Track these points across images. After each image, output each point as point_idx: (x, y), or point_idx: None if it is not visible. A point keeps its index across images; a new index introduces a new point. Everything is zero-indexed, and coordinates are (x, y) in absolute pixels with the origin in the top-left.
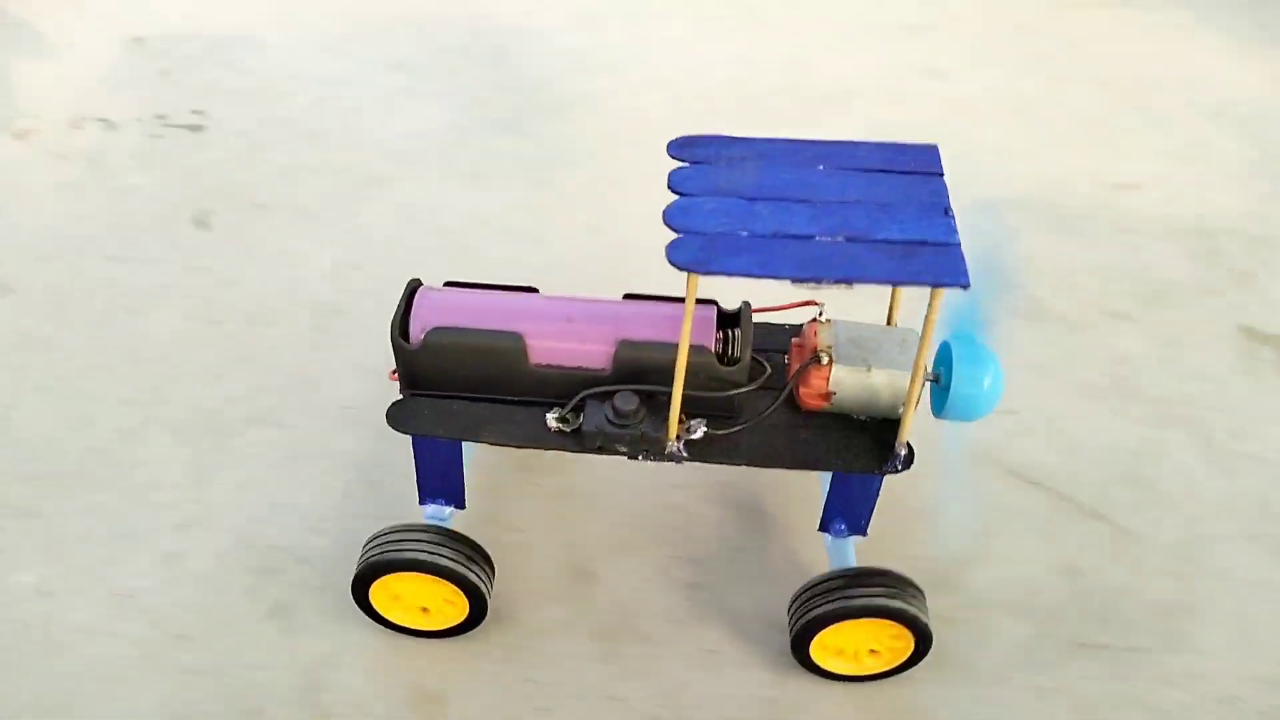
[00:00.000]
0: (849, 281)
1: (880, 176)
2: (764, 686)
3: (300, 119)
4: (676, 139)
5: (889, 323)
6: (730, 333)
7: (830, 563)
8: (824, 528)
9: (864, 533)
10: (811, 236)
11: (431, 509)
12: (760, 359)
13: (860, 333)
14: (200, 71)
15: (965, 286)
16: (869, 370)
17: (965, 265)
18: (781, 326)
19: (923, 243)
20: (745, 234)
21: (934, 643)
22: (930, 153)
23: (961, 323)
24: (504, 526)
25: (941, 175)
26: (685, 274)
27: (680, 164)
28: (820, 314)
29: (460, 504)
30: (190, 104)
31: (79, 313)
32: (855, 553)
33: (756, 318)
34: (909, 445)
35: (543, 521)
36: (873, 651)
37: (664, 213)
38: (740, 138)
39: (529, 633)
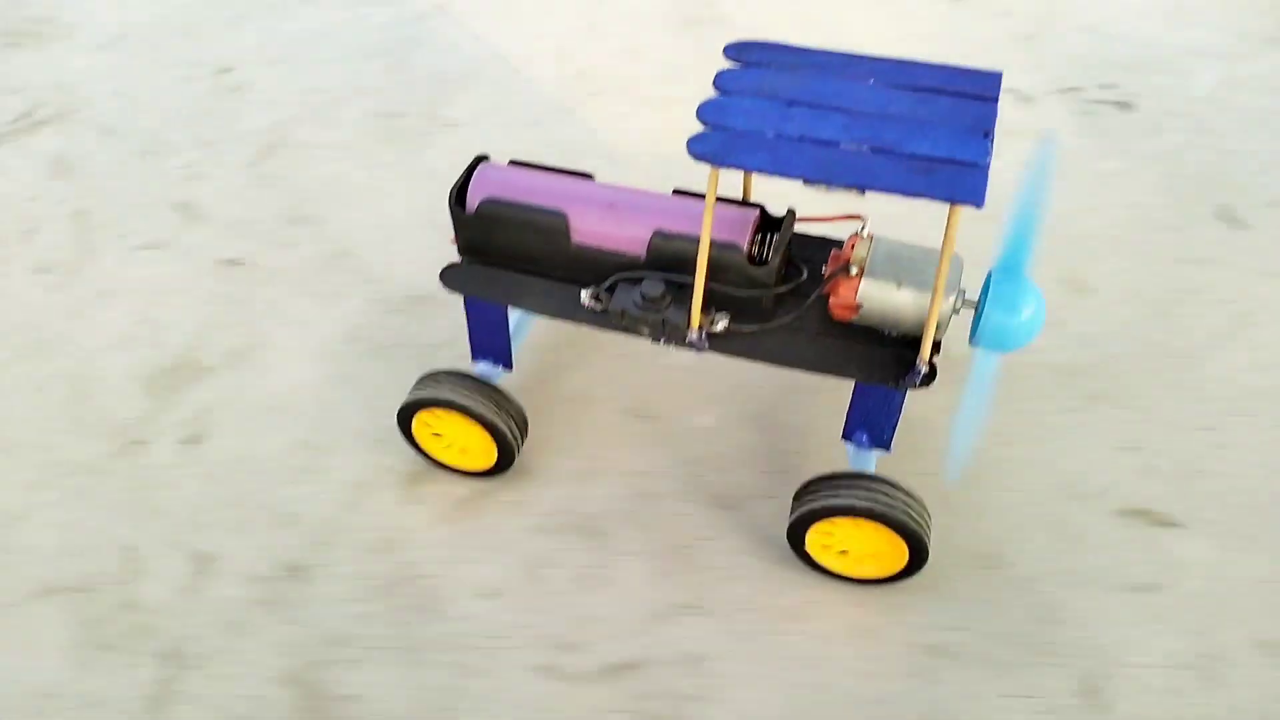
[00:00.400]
0: (860, 188)
1: (930, 96)
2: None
3: (1232, 103)
4: (734, 43)
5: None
6: (768, 236)
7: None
8: (847, 436)
9: (887, 447)
10: (836, 143)
11: (482, 366)
12: (799, 265)
13: (900, 251)
14: (1078, 42)
15: (978, 205)
16: (898, 286)
17: (984, 186)
18: (838, 242)
19: (950, 160)
20: (771, 134)
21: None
22: (991, 78)
23: (1008, 254)
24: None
25: (995, 100)
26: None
27: (733, 64)
28: (863, 229)
29: (508, 365)
30: (1096, 76)
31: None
32: (876, 465)
33: (818, 229)
34: (931, 364)
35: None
36: (868, 555)
37: (698, 107)
38: (800, 47)
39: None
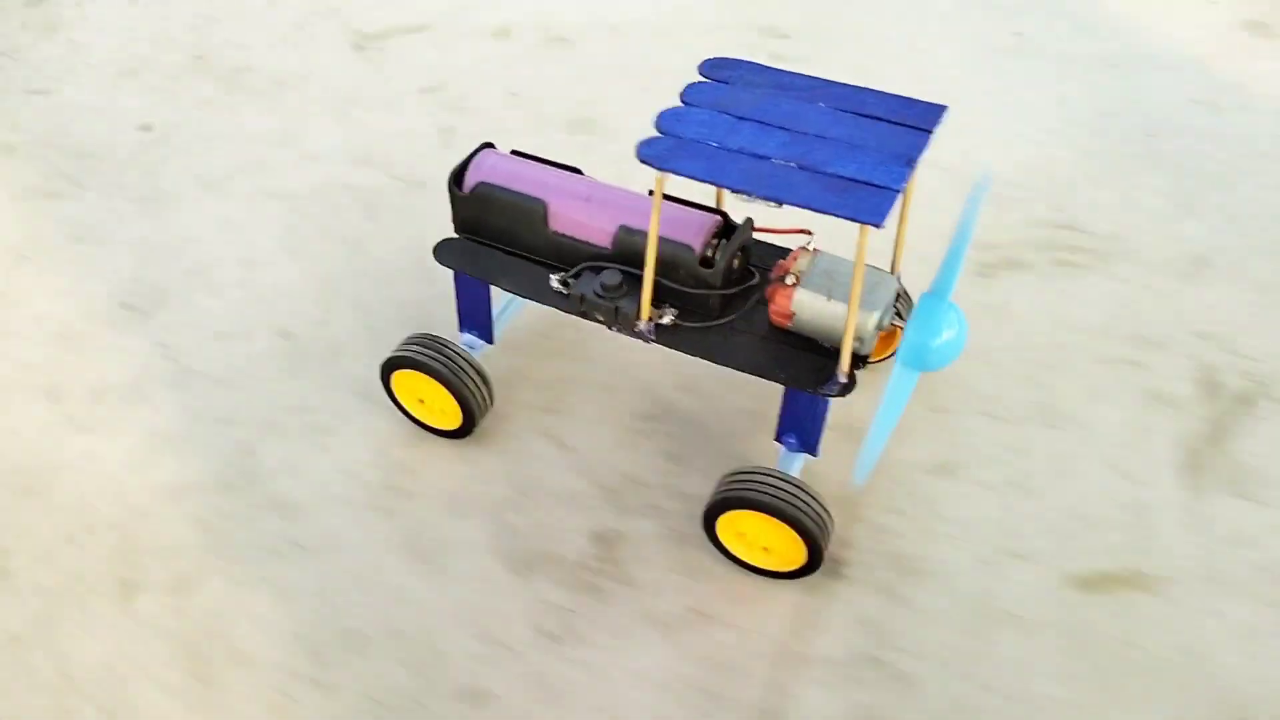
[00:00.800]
0: (777, 201)
1: (872, 122)
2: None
3: None
4: (711, 59)
5: (892, 270)
6: (723, 240)
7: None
8: (778, 438)
9: (814, 452)
10: (769, 159)
11: (467, 338)
12: (754, 271)
13: (839, 268)
14: None
15: (878, 225)
16: (828, 299)
17: (888, 208)
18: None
19: (867, 183)
20: (714, 145)
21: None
22: (935, 111)
23: (939, 278)
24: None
25: (929, 132)
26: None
27: (704, 80)
28: (809, 244)
29: (489, 339)
30: None
31: None
32: (797, 468)
33: (786, 240)
34: (851, 375)
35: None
36: (767, 549)
37: (657, 115)
38: (769, 67)
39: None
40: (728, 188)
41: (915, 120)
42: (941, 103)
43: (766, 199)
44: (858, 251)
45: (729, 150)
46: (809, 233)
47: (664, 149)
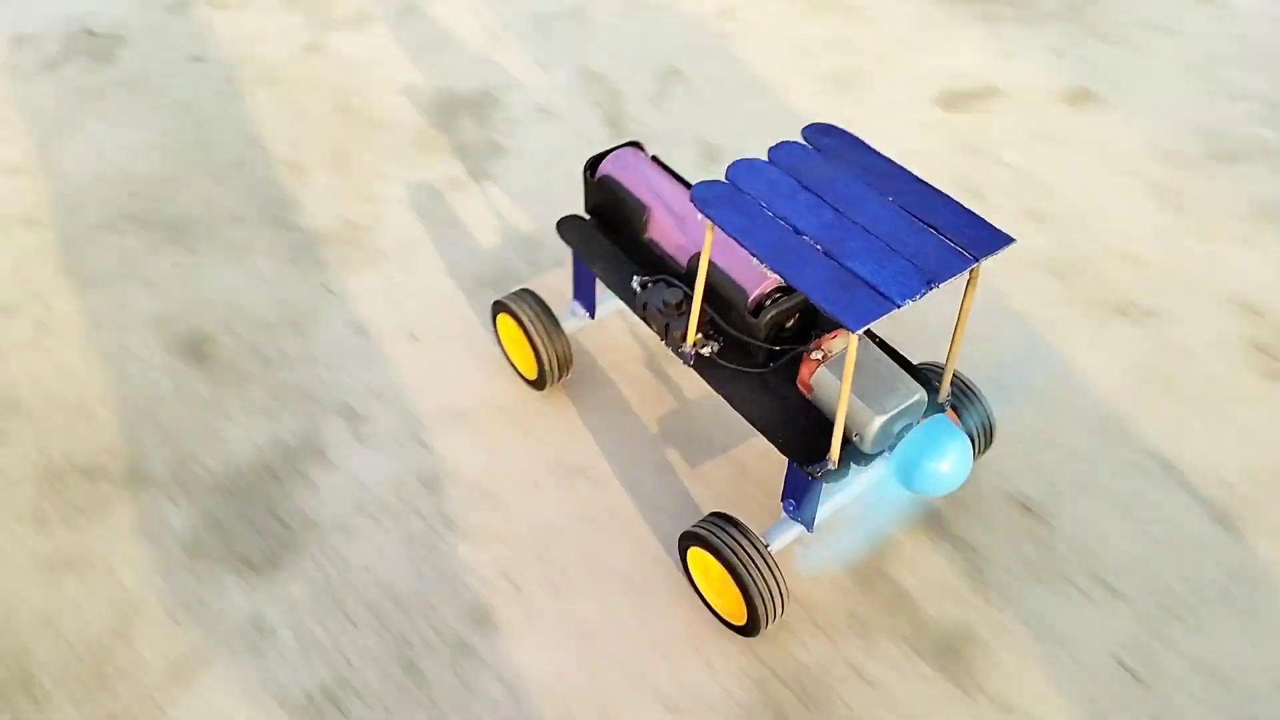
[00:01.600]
0: (782, 278)
1: (927, 231)
2: None
3: None
4: (816, 124)
5: (942, 384)
6: (783, 295)
7: (769, 528)
8: (783, 499)
9: (809, 527)
10: (802, 234)
11: (574, 305)
12: (813, 333)
13: (873, 362)
14: None
15: (852, 329)
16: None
17: (873, 318)
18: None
19: (873, 287)
20: (762, 205)
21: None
22: (996, 239)
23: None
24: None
25: (978, 260)
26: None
27: (799, 141)
28: None
29: (591, 313)
30: None
31: None
32: (789, 535)
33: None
34: (841, 463)
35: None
36: (721, 595)
37: (731, 164)
38: (867, 146)
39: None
40: (748, 250)
41: (969, 244)
42: (1011, 235)
43: (774, 272)
44: (848, 351)
45: (771, 215)
46: None
47: (715, 194)
